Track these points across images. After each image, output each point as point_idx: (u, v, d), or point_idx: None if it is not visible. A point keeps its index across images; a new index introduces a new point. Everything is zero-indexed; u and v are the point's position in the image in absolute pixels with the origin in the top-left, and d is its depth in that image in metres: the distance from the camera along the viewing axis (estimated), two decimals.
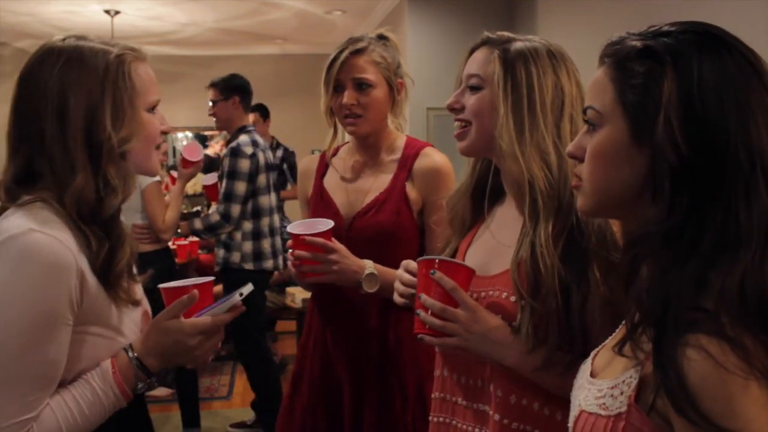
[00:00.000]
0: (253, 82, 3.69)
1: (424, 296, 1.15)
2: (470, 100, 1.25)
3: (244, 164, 3.37)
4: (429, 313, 1.15)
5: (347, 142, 1.85)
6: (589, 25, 3.74)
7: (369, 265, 1.61)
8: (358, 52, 1.67)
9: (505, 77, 1.20)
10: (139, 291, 1.24)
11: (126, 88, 1.12)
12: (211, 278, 1.29)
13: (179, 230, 3.46)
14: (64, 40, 1.13)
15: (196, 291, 1.18)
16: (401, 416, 1.69)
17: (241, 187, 3.36)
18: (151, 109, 1.19)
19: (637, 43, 0.82)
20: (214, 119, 3.60)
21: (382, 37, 1.75)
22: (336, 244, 1.58)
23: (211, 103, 3.56)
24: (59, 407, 1.06)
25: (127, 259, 1.13)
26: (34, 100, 1.09)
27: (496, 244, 1.28)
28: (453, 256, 1.34)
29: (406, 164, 1.71)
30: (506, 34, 1.27)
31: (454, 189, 1.60)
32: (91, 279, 1.07)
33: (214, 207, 3.54)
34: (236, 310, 1.19)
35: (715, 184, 0.76)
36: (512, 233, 1.24)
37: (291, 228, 1.60)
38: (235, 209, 3.36)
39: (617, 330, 0.96)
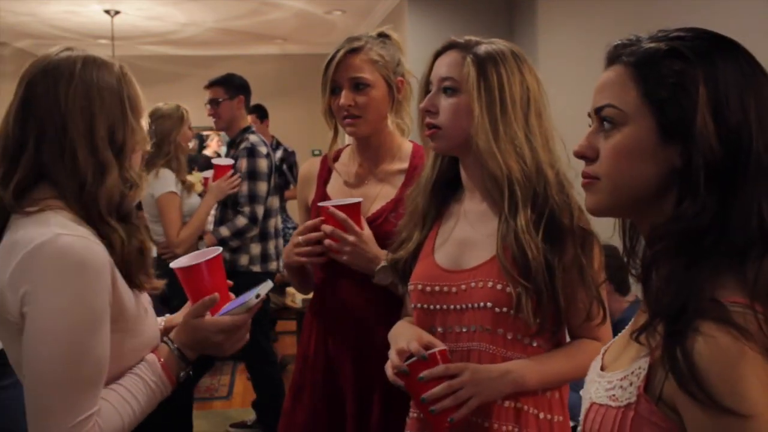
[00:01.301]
0: (253, 82, 3.63)
1: (427, 394, 1.21)
2: (445, 103, 1.33)
3: (263, 164, 3.30)
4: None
5: (348, 145, 1.82)
6: (589, 25, 3.74)
7: (387, 258, 1.57)
8: (354, 51, 1.64)
9: (478, 80, 1.29)
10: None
11: (135, 96, 1.21)
12: (219, 249, 1.35)
13: (206, 243, 3.25)
14: (61, 52, 1.18)
15: (216, 294, 1.28)
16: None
17: (263, 187, 3.30)
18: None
19: (661, 45, 0.83)
20: (215, 119, 3.48)
21: (382, 35, 1.72)
22: (357, 227, 1.57)
23: (211, 103, 3.43)
24: (120, 404, 1.14)
25: (149, 250, 1.22)
26: (57, 111, 1.12)
27: (467, 239, 1.36)
28: (418, 250, 1.42)
29: (413, 175, 1.67)
30: (471, 38, 1.35)
31: None
32: (118, 273, 1.14)
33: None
34: (255, 308, 1.28)
35: (740, 181, 0.78)
36: (482, 227, 1.33)
37: (322, 203, 1.62)
38: (260, 210, 3.29)
39: (629, 323, 0.97)
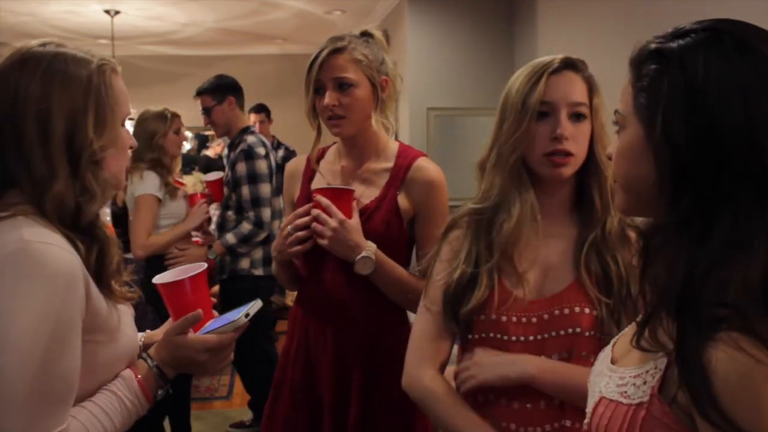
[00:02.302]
0: (253, 82, 3.60)
1: None
2: (580, 130, 1.29)
3: (262, 165, 3.21)
4: None
5: (334, 143, 1.82)
6: (589, 25, 3.74)
7: (369, 249, 1.60)
8: (338, 51, 1.63)
9: (600, 105, 1.30)
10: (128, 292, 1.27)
11: (108, 98, 1.11)
12: (204, 265, 1.30)
13: (215, 252, 3.21)
14: (44, 46, 1.11)
15: (200, 311, 1.22)
16: (384, 427, 1.67)
17: (265, 188, 3.21)
18: (123, 121, 1.18)
19: (652, 46, 0.83)
20: (213, 127, 3.42)
21: (365, 34, 1.71)
22: (340, 213, 1.59)
23: (203, 112, 3.37)
24: (90, 422, 1.06)
25: (117, 260, 1.15)
26: (15, 105, 1.06)
27: (543, 264, 1.30)
28: (495, 281, 1.30)
29: (398, 175, 1.68)
30: (576, 57, 1.32)
31: (447, 200, 1.64)
32: (92, 284, 1.07)
33: (214, 206, 3.42)
34: (242, 328, 1.22)
35: (721, 182, 0.76)
36: (557, 249, 1.30)
37: (315, 188, 1.67)
38: (266, 213, 3.19)
39: (633, 322, 0.97)
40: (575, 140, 1.27)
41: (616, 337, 1.00)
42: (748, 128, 0.75)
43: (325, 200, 1.61)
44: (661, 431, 0.79)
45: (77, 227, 1.09)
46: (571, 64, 1.29)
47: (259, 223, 3.18)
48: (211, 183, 3.39)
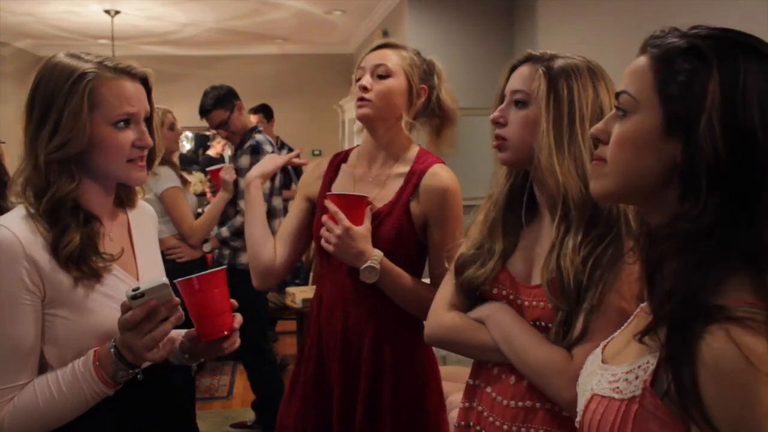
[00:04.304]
0: (253, 82, 3.66)
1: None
2: (515, 116, 1.30)
3: None
4: None
5: (357, 146, 1.84)
6: (589, 25, 3.75)
7: (375, 257, 1.61)
8: (387, 45, 1.73)
9: (548, 93, 1.25)
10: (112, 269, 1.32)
11: (75, 103, 1.23)
12: (223, 267, 1.33)
13: (210, 245, 3.34)
14: (55, 55, 1.29)
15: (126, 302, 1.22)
16: (391, 428, 1.68)
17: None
18: (121, 123, 1.27)
19: (683, 42, 0.82)
20: (232, 137, 3.51)
21: (428, 61, 1.80)
22: (346, 220, 1.60)
23: (220, 128, 3.47)
24: (39, 383, 1.21)
25: (76, 245, 1.23)
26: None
27: (535, 255, 1.32)
28: (496, 272, 1.33)
29: (412, 179, 1.69)
30: (548, 52, 1.32)
31: (461, 207, 1.66)
32: (45, 262, 1.20)
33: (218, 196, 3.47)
34: (147, 306, 1.18)
35: (750, 187, 0.77)
36: (546, 243, 1.28)
37: (328, 193, 1.70)
38: None
39: (627, 322, 0.97)
40: (512, 126, 1.30)
41: (606, 340, 1.00)
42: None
43: (333, 207, 1.62)
44: (654, 424, 0.79)
45: (45, 213, 1.23)
46: (528, 57, 1.33)
47: None
48: (213, 171, 3.52)
